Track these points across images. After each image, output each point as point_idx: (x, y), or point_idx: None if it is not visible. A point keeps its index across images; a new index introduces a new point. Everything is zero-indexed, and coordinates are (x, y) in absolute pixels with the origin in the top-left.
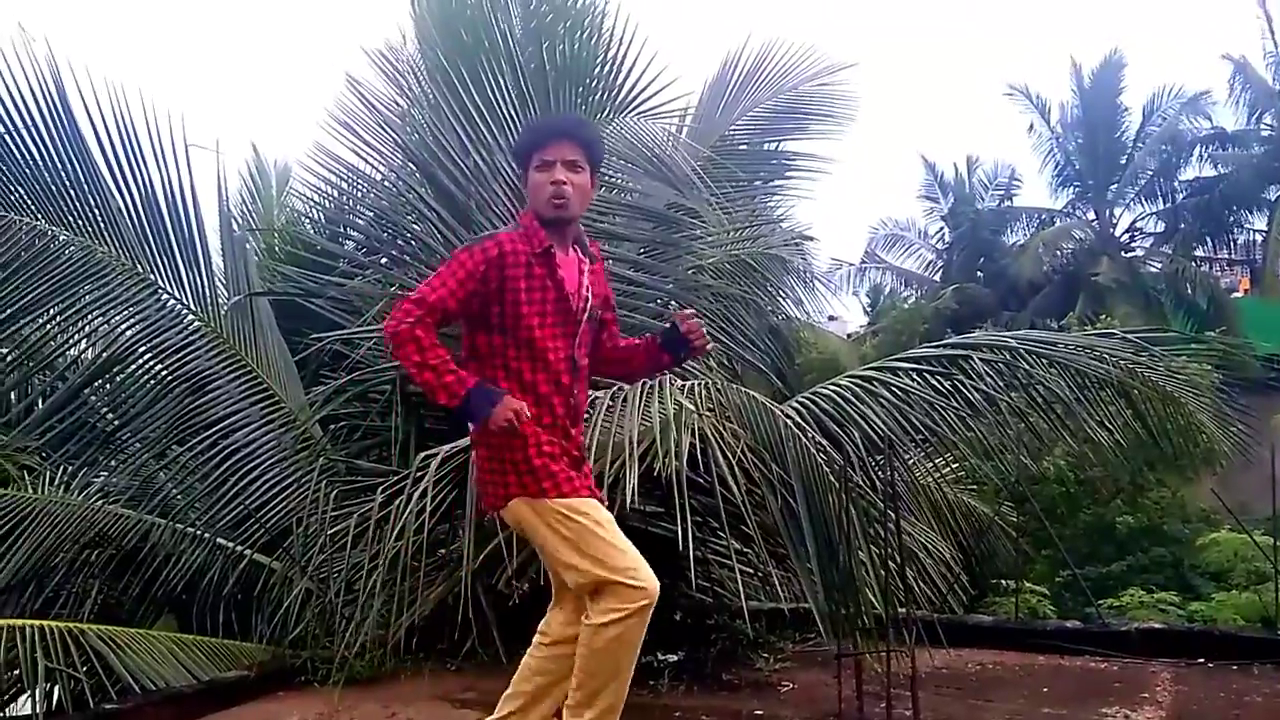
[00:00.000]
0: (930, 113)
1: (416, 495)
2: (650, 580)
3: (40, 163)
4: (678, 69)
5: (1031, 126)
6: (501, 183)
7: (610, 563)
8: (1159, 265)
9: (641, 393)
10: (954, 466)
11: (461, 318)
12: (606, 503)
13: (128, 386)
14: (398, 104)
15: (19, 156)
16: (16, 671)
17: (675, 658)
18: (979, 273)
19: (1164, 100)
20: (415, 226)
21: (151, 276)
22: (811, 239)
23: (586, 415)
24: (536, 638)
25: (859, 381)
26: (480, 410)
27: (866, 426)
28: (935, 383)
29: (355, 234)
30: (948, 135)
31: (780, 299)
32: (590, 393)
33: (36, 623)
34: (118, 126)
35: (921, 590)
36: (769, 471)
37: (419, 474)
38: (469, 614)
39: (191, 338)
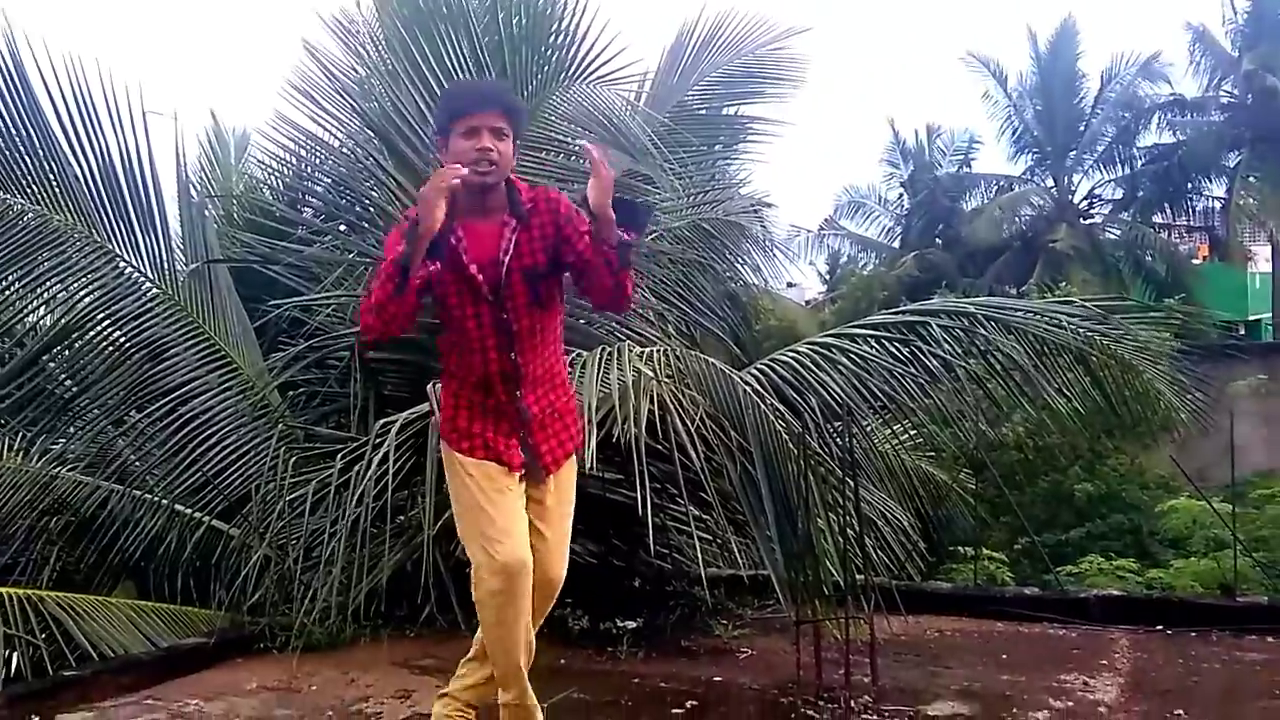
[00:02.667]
0: (895, 78)
1: (376, 461)
2: (509, 555)
3: None
4: (636, 37)
5: (987, 93)
6: None
7: (479, 528)
8: (1118, 232)
9: (600, 359)
10: (912, 433)
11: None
12: (524, 471)
13: (86, 353)
14: (356, 71)
15: None
16: None
17: (634, 624)
18: (938, 239)
19: (1122, 67)
20: (374, 193)
21: (109, 244)
22: (770, 205)
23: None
24: None
25: (817, 349)
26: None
27: (825, 394)
28: (894, 350)
29: (314, 201)
30: (912, 101)
31: (739, 266)
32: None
33: None
34: (74, 94)
35: (880, 557)
36: (728, 438)
37: (378, 440)
38: (428, 581)
39: (149, 305)
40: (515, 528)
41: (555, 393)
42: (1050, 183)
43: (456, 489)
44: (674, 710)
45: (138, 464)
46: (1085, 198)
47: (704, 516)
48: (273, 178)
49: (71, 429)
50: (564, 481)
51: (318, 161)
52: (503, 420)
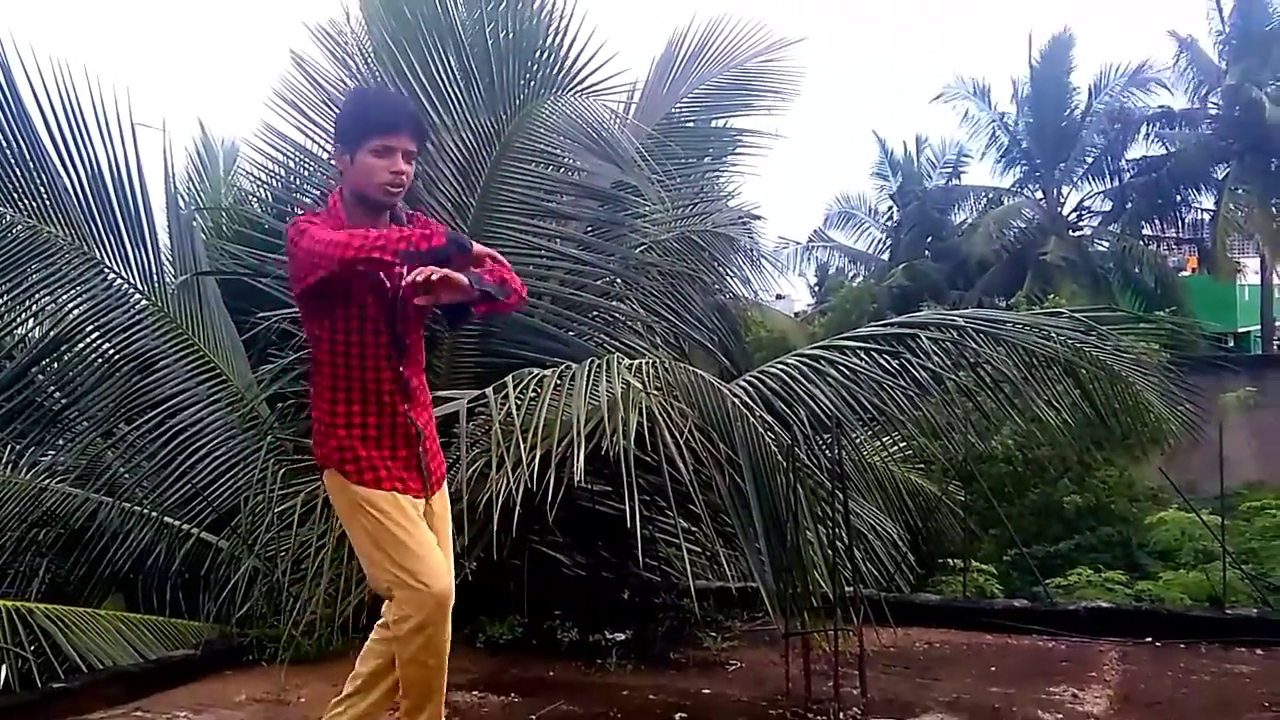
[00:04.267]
0: (884, 90)
1: None
2: (441, 585)
3: None
4: (625, 48)
5: (968, 113)
6: (448, 162)
7: (404, 564)
8: (1107, 244)
9: (590, 372)
10: (902, 445)
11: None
12: (423, 494)
13: (75, 365)
14: (343, 81)
15: None
16: None
17: (622, 636)
18: (926, 251)
19: (1111, 78)
20: None
21: (98, 255)
22: (759, 217)
23: (535, 393)
24: (378, 622)
25: (807, 360)
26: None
27: (814, 405)
28: (883, 362)
29: (302, 212)
30: (901, 113)
31: (727, 277)
32: (536, 372)
33: None
34: (64, 104)
35: (869, 569)
36: (717, 450)
37: None
38: None
39: (139, 316)
40: (435, 556)
41: (428, 411)
42: (1040, 195)
43: (365, 524)
44: None
45: (127, 476)
46: (1074, 210)
47: (693, 529)
48: (261, 189)
49: (61, 441)
50: (444, 496)
51: (306, 173)
52: (399, 442)
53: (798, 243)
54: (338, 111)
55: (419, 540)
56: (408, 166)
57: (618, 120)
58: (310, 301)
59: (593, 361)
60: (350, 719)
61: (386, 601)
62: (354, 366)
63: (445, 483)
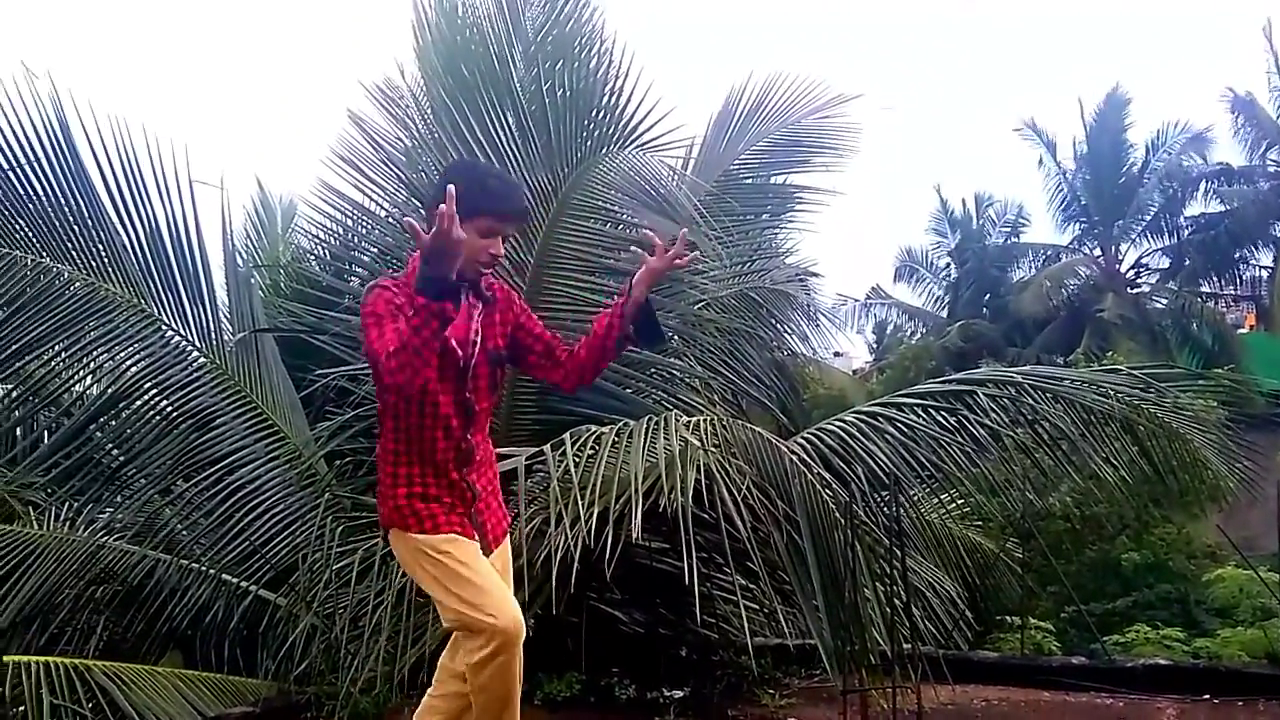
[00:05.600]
0: (942, 148)
1: None
2: (508, 615)
3: (44, 198)
4: (684, 105)
5: (1041, 161)
6: None
7: (470, 599)
8: (1164, 301)
9: (647, 428)
10: (959, 502)
11: None
12: (479, 540)
13: (133, 423)
14: (401, 141)
15: (23, 192)
16: (22, 708)
17: (680, 694)
18: (985, 309)
19: (1168, 135)
20: None
21: (156, 313)
22: (816, 274)
23: (593, 450)
24: (435, 677)
25: (864, 417)
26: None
27: (872, 462)
28: (940, 418)
29: (360, 270)
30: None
31: (785, 334)
32: (594, 429)
33: (42, 659)
34: (122, 162)
35: (927, 626)
36: (774, 507)
37: None
38: None
39: (196, 374)
40: (499, 589)
41: (492, 471)
42: (1098, 251)
43: (431, 568)
44: None
45: (185, 533)
46: (1132, 267)
47: (750, 586)
48: (319, 247)
49: (118, 498)
50: (506, 551)
51: (364, 231)
52: (456, 500)
53: (856, 299)
54: (441, 175)
55: (481, 575)
56: (503, 249)
57: (675, 176)
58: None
59: (650, 418)
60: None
61: (448, 648)
62: (413, 429)
63: (507, 536)
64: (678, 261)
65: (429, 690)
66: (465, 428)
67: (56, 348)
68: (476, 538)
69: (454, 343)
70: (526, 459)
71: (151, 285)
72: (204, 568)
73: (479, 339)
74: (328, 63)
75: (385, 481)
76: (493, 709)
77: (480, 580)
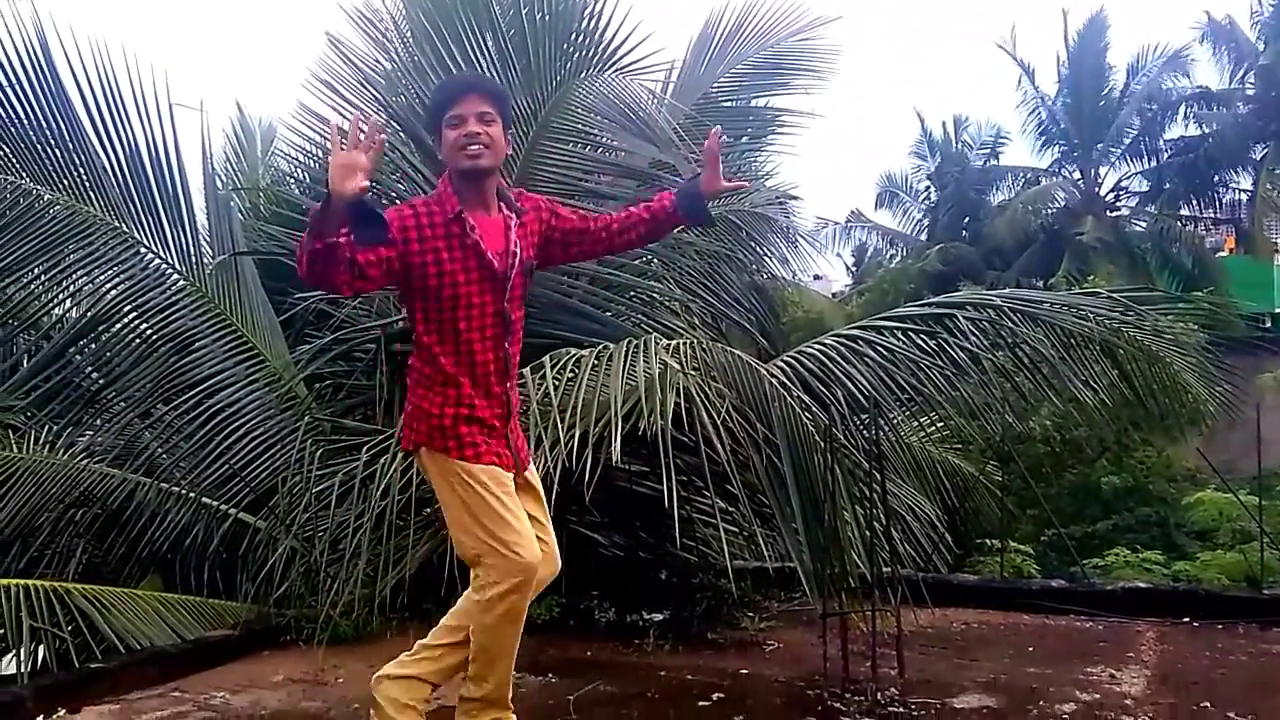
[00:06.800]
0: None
1: (401, 454)
2: (531, 555)
3: (25, 121)
4: (663, 28)
5: (1019, 82)
6: None
7: (497, 534)
8: (1144, 225)
9: (627, 351)
10: (939, 426)
11: (389, 276)
12: (514, 469)
13: (112, 346)
14: (380, 64)
15: (3, 115)
16: (1, 631)
17: (660, 617)
18: (964, 232)
19: (1148, 59)
20: (400, 186)
21: (136, 236)
22: (796, 197)
23: (572, 373)
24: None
25: (844, 341)
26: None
27: (851, 386)
28: (920, 342)
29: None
30: (940, 91)
31: (765, 258)
32: (574, 352)
33: (21, 582)
34: (102, 85)
35: (906, 550)
36: (754, 431)
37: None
38: (454, 572)
39: (176, 297)
40: (527, 527)
41: (515, 390)
42: (1077, 175)
43: (464, 496)
44: (700, 703)
45: (165, 456)
46: (1111, 190)
47: (730, 509)
48: (298, 170)
49: (98, 421)
50: (534, 471)
51: None
52: (497, 419)
53: (836, 223)
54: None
55: (514, 512)
56: (483, 127)
57: (655, 100)
58: (404, 285)
59: (630, 341)
60: (432, 669)
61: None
62: (462, 343)
63: (531, 460)
64: (732, 182)
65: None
66: (505, 337)
67: (36, 270)
68: (513, 460)
69: (491, 254)
70: None
71: (131, 208)
72: (184, 491)
73: (518, 250)
74: None
75: (428, 399)
76: (492, 648)
77: (511, 517)
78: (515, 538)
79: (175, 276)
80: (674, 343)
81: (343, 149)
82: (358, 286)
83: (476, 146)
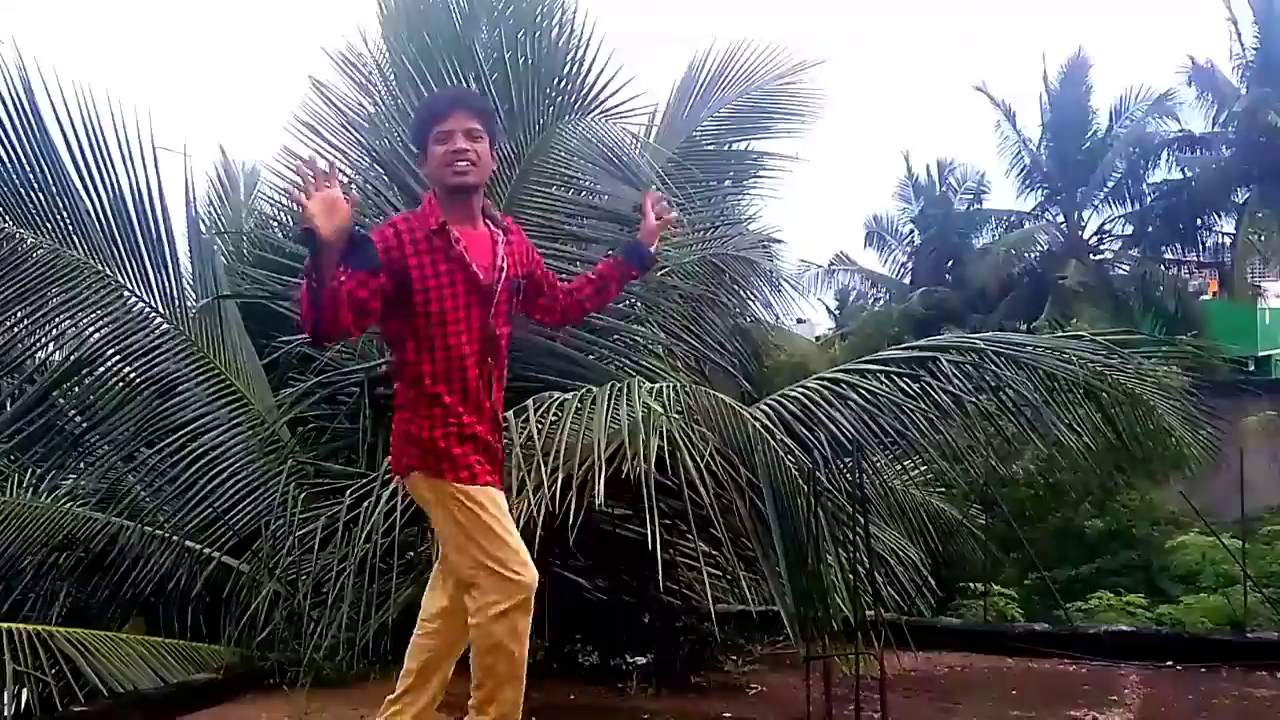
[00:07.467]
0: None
1: (385, 497)
2: (530, 574)
3: (8, 165)
4: (646, 73)
5: (998, 125)
6: None
7: (494, 553)
8: (1127, 268)
9: (610, 395)
10: (922, 469)
11: (386, 304)
12: (503, 488)
13: (96, 389)
14: (364, 107)
15: None
16: None
17: (643, 660)
18: (947, 275)
19: (1131, 102)
20: None
21: (120, 279)
22: (779, 240)
23: (556, 417)
24: (419, 618)
25: (827, 384)
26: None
27: (835, 429)
28: (903, 385)
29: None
30: (925, 135)
31: (749, 301)
32: (557, 395)
33: (4, 625)
34: (86, 129)
35: (890, 593)
36: (737, 474)
37: (387, 476)
38: None
39: (160, 340)
40: (522, 547)
41: (502, 403)
42: (1060, 218)
43: (460, 517)
44: None
45: (148, 500)
46: (1095, 233)
47: (714, 553)
48: (282, 213)
49: (81, 465)
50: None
51: None
52: (482, 438)
53: (819, 266)
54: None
55: (509, 530)
56: (471, 144)
57: (637, 144)
58: (389, 307)
59: (613, 385)
60: (411, 718)
61: (428, 593)
62: (452, 359)
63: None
64: (664, 218)
65: (416, 631)
66: (487, 354)
67: (19, 314)
68: (500, 478)
69: (476, 267)
70: None
71: (115, 251)
72: (167, 534)
73: (505, 265)
74: (292, 29)
75: (415, 422)
76: (498, 670)
77: (507, 535)
78: (513, 556)
79: (159, 320)
80: (657, 386)
81: (307, 194)
82: (363, 324)
83: (464, 163)
